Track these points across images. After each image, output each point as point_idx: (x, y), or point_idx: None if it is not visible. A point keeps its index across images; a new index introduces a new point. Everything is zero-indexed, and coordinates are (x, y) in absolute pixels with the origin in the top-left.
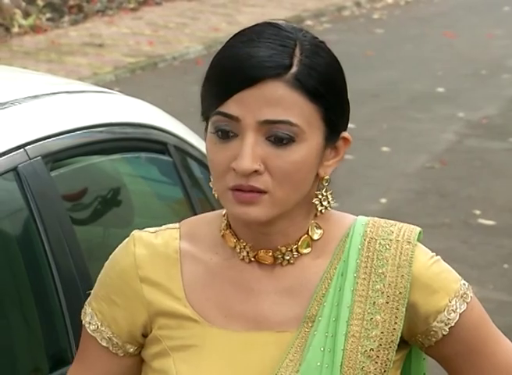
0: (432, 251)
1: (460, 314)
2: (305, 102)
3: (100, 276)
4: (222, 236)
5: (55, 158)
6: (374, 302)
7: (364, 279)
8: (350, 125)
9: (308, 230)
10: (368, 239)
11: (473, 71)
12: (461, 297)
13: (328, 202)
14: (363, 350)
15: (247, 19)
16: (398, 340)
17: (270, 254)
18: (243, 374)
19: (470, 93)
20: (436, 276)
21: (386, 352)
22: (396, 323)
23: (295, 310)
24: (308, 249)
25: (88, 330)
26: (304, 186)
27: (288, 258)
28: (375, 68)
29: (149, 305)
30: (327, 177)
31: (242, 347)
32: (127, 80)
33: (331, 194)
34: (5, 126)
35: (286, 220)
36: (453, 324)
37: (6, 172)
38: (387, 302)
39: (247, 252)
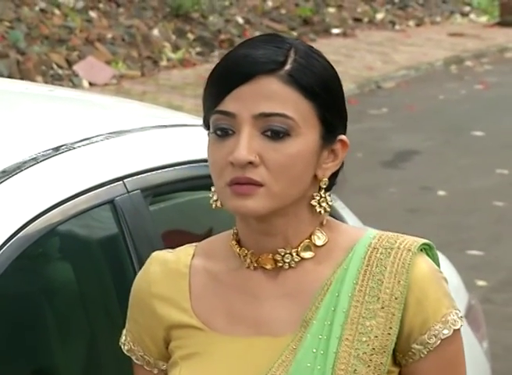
0: None
1: (441, 339)
2: (299, 98)
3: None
4: (230, 246)
5: (155, 193)
6: (369, 307)
7: (362, 285)
8: (502, 170)
9: (310, 235)
10: (371, 249)
11: None
12: (447, 323)
13: (327, 203)
14: (356, 353)
15: (403, 58)
16: (393, 345)
17: (270, 257)
18: None
19: None
20: (430, 293)
21: (380, 356)
22: (390, 328)
23: (294, 315)
24: (309, 253)
25: (124, 350)
26: (300, 182)
27: (288, 261)
28: None
29: (162, 319)
30: (325, 180)
31: (242, 352)
32: None
33: (329, 196)
34: (105, 158)
35: (285, 220)
36: (431, 348)
37: (103, 204)
38: (382, 307)
39: (250, 259)
